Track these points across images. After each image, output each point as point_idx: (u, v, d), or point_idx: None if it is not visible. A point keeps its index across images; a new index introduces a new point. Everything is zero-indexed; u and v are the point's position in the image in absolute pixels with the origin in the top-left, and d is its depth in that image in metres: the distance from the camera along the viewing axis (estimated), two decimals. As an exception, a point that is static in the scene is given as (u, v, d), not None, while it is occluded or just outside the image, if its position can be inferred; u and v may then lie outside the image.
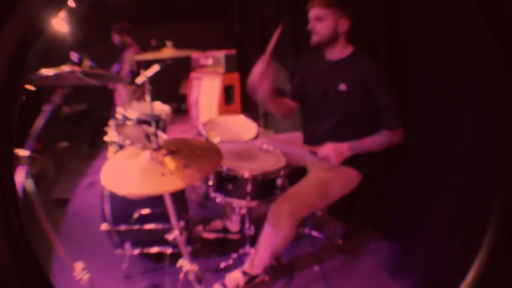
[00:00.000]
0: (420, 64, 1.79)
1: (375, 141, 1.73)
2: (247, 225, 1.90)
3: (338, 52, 1.78)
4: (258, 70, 1.66)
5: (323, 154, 1.73)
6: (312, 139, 1.89)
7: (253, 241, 1.80)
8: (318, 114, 1.88)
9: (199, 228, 2.18)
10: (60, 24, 1.39)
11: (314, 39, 1.76)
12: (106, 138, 2.23)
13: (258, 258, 1.69)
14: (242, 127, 2.28)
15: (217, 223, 2.22)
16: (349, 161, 1.74)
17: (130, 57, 3.95)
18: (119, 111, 2.59)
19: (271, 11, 3.36)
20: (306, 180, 1.76)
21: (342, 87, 1.75)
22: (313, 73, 1.90)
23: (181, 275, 1.51)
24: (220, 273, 1.84)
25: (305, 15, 1.77)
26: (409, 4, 1.77)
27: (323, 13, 1.70)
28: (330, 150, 1.70)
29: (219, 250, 2.07)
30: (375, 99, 1.71)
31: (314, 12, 1.72)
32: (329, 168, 1.77)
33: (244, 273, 1.71)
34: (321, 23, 1.71)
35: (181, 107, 5.17)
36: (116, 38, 4.03)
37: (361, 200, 2.16)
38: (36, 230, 1.32)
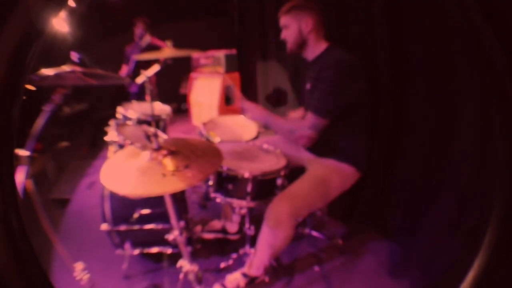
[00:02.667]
0: (420, 63, 1.78)
1: (280, 120, 1.79)
2: (247, 225, 1.90)
3: (311, 51, 1.80)
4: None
5: (245, 106, 1.86)
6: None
7: (253, 241, 1.80)
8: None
9: (198, 228, 2.18)
10: (60, 24, 1.39)
11: (287, 47, 1.82)
12: (106, 138, 2.23)
13: (257, 259, 1.69)
14: (243, 127, 2.28)
15: (215, 223, 2.22)
16: (343, 156, 1.76)
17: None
18: (119, 111, 2.59)
19: (271, 11, 3.35)
20: (303, 179, 1.75)
21: (307, 86, 1.81)
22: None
23: (181, 276, 1.51)
24: (220, 273, 1.84)
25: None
26: (409, 4, 1.77)
27: (286, 20, 1.76)
28: (252, 105, 1.84)
29: (219, 250, 2.07)
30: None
31: (280, 21, 1.79)
32: (325, 166, 1.77)
33: (244, 275, 1.72)
34: (287, 30, 1.77)
35: (181, 107, 5.17)
36: (141, 29, 4.11)
37: (362, 200, 2.16)
38: (36, 230, 1.32)
